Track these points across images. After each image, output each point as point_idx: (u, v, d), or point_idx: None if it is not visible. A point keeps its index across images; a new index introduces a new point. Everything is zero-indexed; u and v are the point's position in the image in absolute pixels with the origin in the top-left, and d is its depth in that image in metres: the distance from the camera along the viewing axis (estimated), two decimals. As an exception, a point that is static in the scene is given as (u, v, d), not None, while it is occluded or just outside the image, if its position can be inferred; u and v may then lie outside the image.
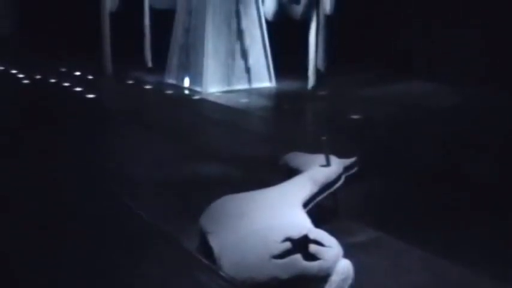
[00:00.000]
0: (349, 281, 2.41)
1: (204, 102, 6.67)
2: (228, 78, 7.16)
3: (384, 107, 6.37)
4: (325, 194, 3.09)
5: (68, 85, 7.31)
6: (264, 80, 7.43)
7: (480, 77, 6.94)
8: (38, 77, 7.82)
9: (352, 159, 3.43)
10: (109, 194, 3.69)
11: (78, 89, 7.09)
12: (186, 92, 7.13)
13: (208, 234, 2.63)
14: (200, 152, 4.69)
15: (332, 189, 3.15)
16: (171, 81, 7.50)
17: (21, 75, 7.93)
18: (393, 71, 7.77)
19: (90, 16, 8.23)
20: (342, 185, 3.23)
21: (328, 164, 3.21)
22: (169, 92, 7.12)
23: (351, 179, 3.34)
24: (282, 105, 6.78)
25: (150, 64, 7.96)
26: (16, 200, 3.58)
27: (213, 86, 7.03)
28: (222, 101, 6.65)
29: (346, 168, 3.33)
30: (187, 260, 2.76)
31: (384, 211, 3.52)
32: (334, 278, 2.35)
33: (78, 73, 8.12)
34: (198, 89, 7.07)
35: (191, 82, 7.23)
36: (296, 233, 2.41)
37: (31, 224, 3.21)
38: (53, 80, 7.60)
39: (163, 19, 7.61)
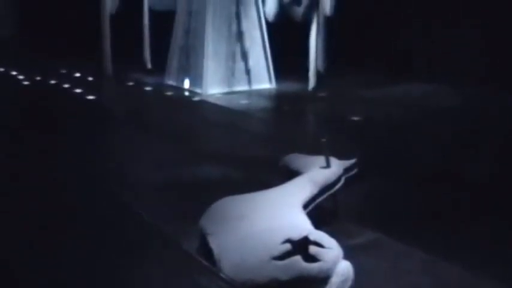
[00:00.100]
0: (349, 283, 2.41)
1: (204, 103, 6.67)
2: (228, 79, 7.16)
3: (384, 108, 6.37)
4: (325, 196, 3.09)
5: (68, 86, 7.31)
6: (264, 81, 7.43)
7: (480, 77, 6.95)
8: (38, 78, 7.82)
9: (352, 161, 3.43)
10: (109, 195, 3.69)
11: (78, 90, 7.09)
12: (186, 93, 7.13)
13: (208, 235, 2.63)
14: (200, 153, 4.69)
15: (332, 191, 3.15)
16: (171, 82, 7.50)
17: (21, 77, 7.93)
18: (393, 71, 7.77)
19: (90, 17, 8.23)
20: (342, 186, 3.23)
21: (328, 166, 3.21)
22: (169, 93, 7.12)
23: (350, 180, 3.34)
24: (282, 107, 6.79)
25: (149, 65, 7.96)
26: (16, 200, 3.58)
27: (213, 87, 7.03)
28: (222, 102, 6.65)
29: (346, 170, 3.33)
30: (187, 261, 2.76)
31: (384, 212, 3.52)
32: (334, 280, 2.35)
33: (78, 74, 8.13)
34: (198, 90, 7.07)
35: (191, 83, 7.23)
36: (296, 235, 2.41)
37: (31, 224, 3.21)
38: (53, 81, 7.60)
39: (163, 21, 7.61)
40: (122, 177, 4.11)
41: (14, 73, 8.17)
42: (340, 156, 3.39)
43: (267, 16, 7.21)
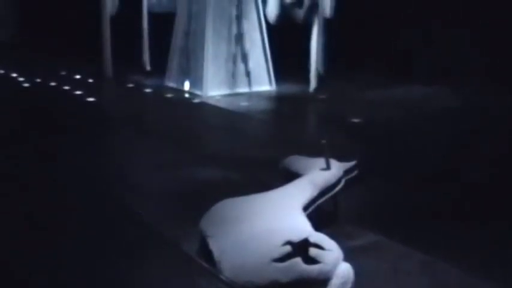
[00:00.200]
0: (349, 285, 2.41)
1: (204, 105, 6.68)
2: (228, 81, 7.17)
3: (385, 109, 6.37)
4: (325, 198, 3.09)
5: (68, 88, 7.31)
6: (264, 83, 7.43)
7: (480, 77, 6.95)
8: (38, 80, 7.83)
9: (352, 163, 3.43)
10: (109, 196, 3.69)
11: (78, 92, 7.10)
12: (186, 95, 7.14)
13: (208, 237, 2.63)
14: (200, 156, 4.69)
15: (332, 193, 3.15)
16: (171, 84, 7.51)
17: (21, 79, 7.93)
18: (393, 73, 7.78)
19: (90, 19, 8.24)
20: (342, 188, 3.23)
21: (328, 168, 3.21)
22: (169, 95, 7.12)
23: (351, 182, 3.34)
24: (282, 109, 6.79)
25: (148, 67, 7.98)
26: (16, 200, 3.58)
27: (213, 89, 7.04)
28: (222, 104, 6.65)
29: (346, 172, 3.33)
30: (188, 263, 2.76)
31: (384, 214, 3.52)
32: (334, 282, 2.35)
33: (78, 76, 8.13)
34: (198, 92, 7.08)
35: (191, 86, 7.23)
36: (296, 237, 2.42)
37: (31, 225, 3.22)
38: (53, 83, 7.60)
39: (163, 22, 7.62)
40: (122, 178, 4.11)
41: (14, 75, 8.18)
42: (341, 158, 3.39)
43: (269, 18, 7.21)
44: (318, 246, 2.40)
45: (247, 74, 7.29)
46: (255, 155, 4.66)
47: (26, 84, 7.66)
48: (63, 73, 8.35)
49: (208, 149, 5.02)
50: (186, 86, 7.28)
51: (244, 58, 7.25)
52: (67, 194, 3.74)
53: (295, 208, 2.83)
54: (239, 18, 7.20)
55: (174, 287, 2.60)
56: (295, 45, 7.11)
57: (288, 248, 2.37)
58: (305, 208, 2.89)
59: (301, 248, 2.38)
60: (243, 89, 7.26)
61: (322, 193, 3.06)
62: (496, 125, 5.74)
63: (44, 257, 2.83)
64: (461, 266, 2.79)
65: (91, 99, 6.81)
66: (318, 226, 2.72)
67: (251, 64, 7.30)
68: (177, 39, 7.46)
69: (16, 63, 9.22)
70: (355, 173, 3.41)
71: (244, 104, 6.73)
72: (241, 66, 7.25)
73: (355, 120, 5.85)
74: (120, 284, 2.63)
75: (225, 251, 2.50)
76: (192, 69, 7.25)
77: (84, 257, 2.83)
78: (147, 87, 7.53)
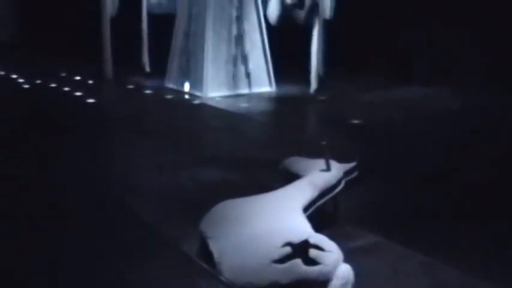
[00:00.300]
0: (349, 286, 2.41)
1: (204, 107, 6.68)
2: (228, 82, 7.17)
3: (385, 110, 6.38)
4: (325, 199, 3.09)
5: (68, 89, 7.32)
6: (264, 84, 7.44)
7: (480, 78, 6.96)
8: (38, 81, 7.83)
9: (352, 164, 3.43)
10: (109, 197, 3.69)
11: (78, 93, 7.10)
12: (186, 96, 7.14)
13: (208, 239, 2.63)
14: (200, 157, 4.69)
15: (332, 194, 3.15)
16: (171, 85, 7.51)
17: (21, 80, 7.94)
18: (394, 74, 7.78)
19: (90, 19, 8.24)
20: (342, 189, 3.23)
21: (328, 169, 3.21)
22: (169, 96, 7.12)
23: (351, 183, 3.34)
24: (282, 110, 6.79)
25: (147, 69, 7.99)
26: (16, 200, 3.59)
27: (213, 90, 7.04)
28: (222, 105, 6.65)
29: (346, 173, 3.33)
30: (188, 264, 2.76)
31: (384, 215, 3.52)
32: (335, 283, 2.35)
33: (78, 77, 8.13)
34: (198, 93, 7.08)
35: (191, 87, 7.24)
36: (296, 238, 2.41)
37: (31, 225, 3.22)
38: (53, 85, 7.60)
39: (163, 24, 7.62)
40: (122, 179, 4.12)
41: (14, 76, 8.18)
42: (341, 159, 3.39)
43: (270, 19, 7.21)
44: (318, 247, 2.40)
45: (247, 75, 7.29)
46: (255, 156, 4.66)
47: (26, 86, 7.66)
48: (63, 74, 8.36)
49: (208, 150, 5.02)
50: (186, 87, 7.28)
51: (244, 59, 7.25)
52: (67, 194, 3.75)
53: (295, 209, 2.83)
54: (239, 19, 7.20)
55: (174, 287, 2.60)
56: (295, 47, 7.12)
57: (288, 249, 2.37)
58: (305, 209, 2.89)
59: (301, 249, 2.38)
60: (243, 90, 7.27)
61: (322, 194, 3.06)
62: (496, 125, 5.74)
63: (44, 258, 2.84)
64: (461, 267, 2.79)
65: (91, 100, 6.81)
66: (318, 227, 2.72)
67: (251, 65, 7.30)
68: (177, 41, 7.47)
69: (16, 63, 9.22)
70: (355, 174, 3.41)
71: (244, 105, 6.73)
72: (241, 68, 7.25)
73: (355, 121, 5.85)
74: (120, 284, 2.63)
75: (225, 252, 2.50)
76: (192, 70, 7.25)
77: (84, 257, 2.83)
78: (147, 88, 7.54)
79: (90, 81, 7.93)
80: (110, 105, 7.11)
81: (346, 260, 2.46)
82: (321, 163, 3.23)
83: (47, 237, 3.08)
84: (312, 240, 2.42)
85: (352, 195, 3.42)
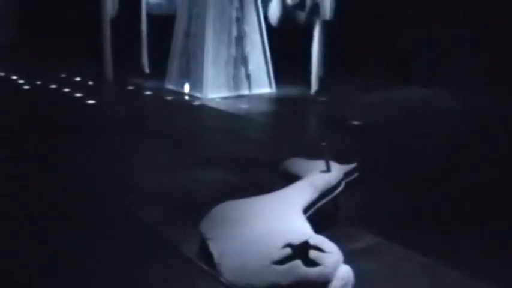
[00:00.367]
0: (349, 287, 2.41)
1: (204, 108, 6.68)
2: (228, 84, 7.17)
3: (385, 111, 6.38)
4: (325, 200, 3.09)
5: (68, 91, 7.32)
6: (264, 85, 7.44)
7: (480, 79, 6.96)
8: (38, 82, 7.83)
9: (353, 165, 3.43)
10: (109, 198, 3.69)
11: (78, 94, 7.10)
12: (186, 98, 7.14)
13: (208, 240, 2.63)
14: (200, 157, 4.69)
15: (332, 195, 3.15)
16: (171, 87, 7.51)
17: (21, 81, 7.94)
18: (393, 75, 7.78)
19: (90, 21, 8.25)
20: (342, 190, 3.23)
21: (328, 170, 3.21)
22: (169, 97, 7.12)
23: (351, 184, 3.34)
24: (282, 111, 6.79)
25: (147, 70, 7.99)
26: (16, 202, 3.59)
27: (213, 92, 7.04)
28: (222, 107, 6.65)
29: (347, 174, 3.33)
30: (187, 266, 2.76)
31: (384, 217, 3.52)
32: (335, 284, 2.35)
33: (78, 79, 8.13)
34: (198, 95, 7.08)
35: (191, 88, 7.24)
36: (296, 239, 2.41)
37: (31, 225, 3.22)
38: (53, 86, 7.60)
39: (163, 24, 7.62)
40: (122, 179, 4.11)
41: (14, 77, 8.18)
42: (341, 160, 3.39)
43: (271, 21, 7.21)
44: (318, 248, 2.40)
45: (247, 76, 7.29)
46: (255, 157, 4.66)
47: (26, 87, 7.66)
48: (63, 75, 8.36)
49: (208, 151, 5.02)
50: (186, 88, 7.28)
51: (244, 60, 7.25)
52: (67, 195, 3.75)
53: (295, 210, 2.83)
54: (239, 20, 7.20)
55: (174, 289, 2.60)
56: (294, 48, 7.12)
57: (288, 251, 2.37)
58: (305, 210, 2.89)
59: (301, 251, 2.38)
60: (243, 91, 7.27)
61: (322, 195, 3.06)
62: (496, 126, 5.74)
63: (44, 258, 2.84)
64: (461, 268, 2.79)
65: (91, 101, 6.81)
66: (318, 228, 2.72)
67: (251, 66, 7.30)
68: (177, 42, 7.47)
69: (16, 65, 9.22)
70: (355, 175, 3.41)
71: (244, 106, 6.73)
72: (241, 69, 7.25)
73: (355, 122, 5.85)
74: (120, 285, 2.63)
75: (224, 253, 2.50)
76: (192, 71, 7.25)
77: (84, 257, 2.83)
78: (147, 89, 7.54)
79: (90, 82, 7.93)
80: (110, 106, 7.11)
81: (346, 261, 2.46)
82: (321, 164, 3.23)
83: (47, 237, 3.08)
84: (312, 242, 2.42)
85: (352, 196, 3.41)
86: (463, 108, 6.52)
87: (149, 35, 7.96)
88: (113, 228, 3.21)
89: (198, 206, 3.06)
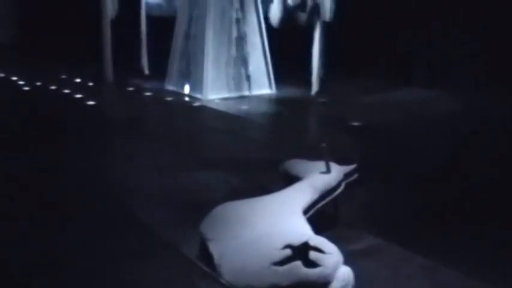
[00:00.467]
0: (349, 288, 2.41)
1: (204, 109, 6.68)
2: (229, 85, 7.17)
3: (385, 112, 6.38)
4: (325, 201, 3.09)
5: (68, 92, 7.32)
6: (264, 86, 7.44)
7: (480, 79, 6.96)
8: (38, 83, 7.83)
9: (352, 166, 3.43)
10: (109, 199, 3.69)
11: (78, 95, 7.10)
12: (186, 99, 7.14)
13: (208, 241, 2.63)
14: (200, 158, 4.69)
15: (332, 196, 3.15)
16: (171, 88, 7.51)
17: (21, 82, 7.94)
18: (394, 76, 7.79)
19: (90, 21, 8.25)
20: (342, 191, 3.23)
21: (328, 171, 3.21)
22: (169, 98, 7.13)
23: (351, 185, 3.34)
24: (282, 112, 6.79)
25: (146, 71, 7.99)
26: (16, 202, 3.59)
27: (213, 92, 7.04)
28: (222, 107, 6.65)
29: (347, 175, 3.33)
30: (187, 266, 2.76)
31: (384, 218, 3.52)
32: (335, 285, 2.35)
33: (78, 80, 8.14)
34: (198, 95, 7.08)
35: (191, 89, 7.24)
36: (296, 240, 2.41)
37: (31, 225, 3.22)
38: (53, 87, 7.61)
39: (164, 25, 7.63)
40: (122, 180, 4.11)
41: (15, 78, 8.19)
42: (341, 161, 3.39)
43: (272, 22, 7.21)
44: (318, 249, 2.40)
45: (247, 77, 7.30)
46: (255, 158, 4.66)
47: (26, 88, 7.66)
48: (63, 76, 8.36)
49: (208, 152, 5.02)
50: (186, 89, 7.28)
51: (244, 61, 7.26)
52: (67, 195, 3.75)
53: (295, 211, 2.83)
54: (239, 21, 7.20)
55: (174, 290, 2.60)
56: (294, 49, 7.12)
57: (288, 252, 2.37)
58: (305, 211, 2.89)
59: (301, 252, 2.38)
60: (243, 92, 7.27)
61: (322, 196, 3.06)
62: (496, 126, 5.74)
63: (44, 258, 2.84)
64: (461, 268, 2.79)
65: (91, 102, 6.81)
66: (318, 229, 2.72)
67: (251, 67, 7.30)
68: (178, 43, 7.47)
69: (16, 65, 9.23)
70: (355, 176, 3.40)
71: (244, 107, 6.74)
72: (241, 70, 7.25)
73: (355, 123, 5.85)
74: (120, 285, 2.63)
75: (225, 254, 2.50)
76: (192, 72, 7.26)
77: (84, 257, 2.83)
78: (147, 90, 7.54)
79: (90, 83, 7.93)
80: (110, 107, 7.11)
81: (346, 262, 2.46)
82: (321, 165, 3.23)
83: (47, 237, 3.08)
84: (312, 243, 2.42)
85: (352, 197, 3.41)
86: (463, 108, 6.52)
87: (149, 36, 7.96)
88: (113, 229, 3.21)
89: (198, 207, 3.06)
